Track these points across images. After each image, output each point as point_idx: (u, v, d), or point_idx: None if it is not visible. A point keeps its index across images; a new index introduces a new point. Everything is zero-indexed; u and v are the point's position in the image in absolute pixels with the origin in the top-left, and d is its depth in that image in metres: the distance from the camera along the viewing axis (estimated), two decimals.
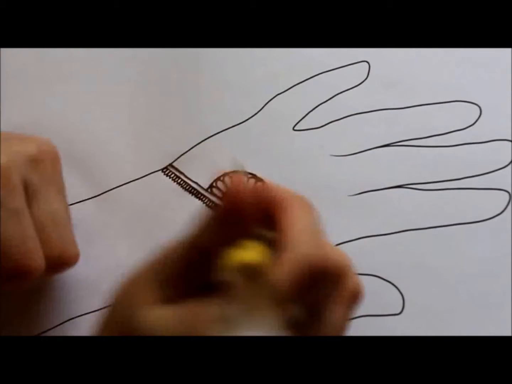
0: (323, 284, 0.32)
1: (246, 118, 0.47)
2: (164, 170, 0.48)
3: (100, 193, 0.47)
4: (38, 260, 0.39)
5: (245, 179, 0.30)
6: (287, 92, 0.47)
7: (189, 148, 0.48)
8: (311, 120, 0.47)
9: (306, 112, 0.47)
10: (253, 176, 0.45)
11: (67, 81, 0.49)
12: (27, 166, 0.41)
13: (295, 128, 0.47)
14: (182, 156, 0.47)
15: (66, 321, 0.45)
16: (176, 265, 0.33)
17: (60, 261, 0.41)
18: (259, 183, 0.33)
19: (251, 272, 0.30)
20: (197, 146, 0.47)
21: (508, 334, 0.42)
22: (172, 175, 0.48)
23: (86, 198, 0.47)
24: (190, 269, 0.33)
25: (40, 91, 0.49)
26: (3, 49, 0.48)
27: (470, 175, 0.45)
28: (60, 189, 0.43)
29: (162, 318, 0.33)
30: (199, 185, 0.47)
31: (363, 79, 0.47)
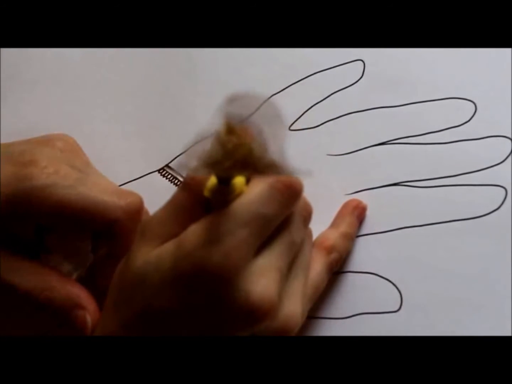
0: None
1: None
2: (161, 170, 0.48)
3: None
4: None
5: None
6: (282, 92, 0.47)
7: (186, 149, 0.47)
8: (307, 120, 0.47)
9: (302, 112, 0.47)
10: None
11: (64, 83, 0.49)
12: (65, 157, 0.43)
13: (291, 128, 0.47)
14: (179, 157, 0.48)
15: None
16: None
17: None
18: None
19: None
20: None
21: (508, 334, 0.42)
22: (169, 176, 0.48)
23: None
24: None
25: (38, 92, 0.49)
26: (3, 49, 0.48)
27: (466, 171, 0.45)
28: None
29: (150, 261, 0.35)
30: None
31: (358, 78, 0.47)
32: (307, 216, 0.38)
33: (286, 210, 0.36)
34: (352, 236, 0.44)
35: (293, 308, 0.36)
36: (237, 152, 0.31)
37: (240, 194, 0.35)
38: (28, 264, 0.41)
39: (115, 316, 0.36)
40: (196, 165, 0.31)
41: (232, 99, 0.32)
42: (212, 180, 0.35)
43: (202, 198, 0.35)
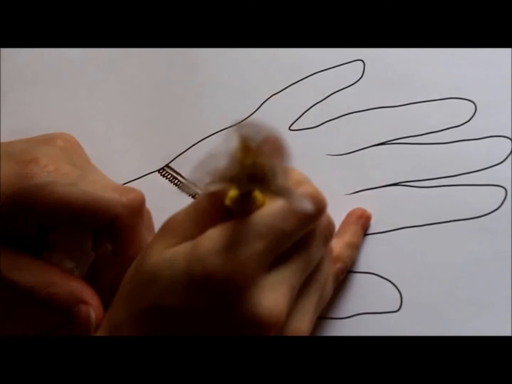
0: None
1: (242, 118, 0.47)
2: (161, 170, 0.48)
3: None
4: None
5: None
6: (282, 92, 0.47)
7: (186, 148, 0.48)
8: (307, 120, 0.47)
9: (302, 112, 0.47)
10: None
11: (65, 82, 0.49)
12: (66, 155, 0.43)
13: (291, 128, 0.47)
14: (179, 157, 0.48)
15: None
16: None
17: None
18: None
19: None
20: (194, 146, 0.47)
21: (508, 334, 0.42)
22: (169, 176, 0.48)
23: None
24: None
25: (38, 92, 0.49)
26: (3, 49, 0.48)
27: (466, 171, 0.45)
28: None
29: (165, 259, 0.35)
30: (196, 186, 0.47)
31: (358, 78, 0.47)
32: (328, 235, 0.38)
33: (306, 227, 0.35)
34: (357, 246, 0.44)
35: (300, 325, 0.36)
36: (255, 168, 0.31)
37: (261, 205, 0.35)
38: (30, 262, 0.41)
39: (124, 308, 0.37)
40: (213, 180, 0.32)
41: (243, 125, 0.32)
42: (234, 190, 0.35)
43: (223, 205, 0.35)
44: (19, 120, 0.48)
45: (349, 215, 0.45)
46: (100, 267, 0.43)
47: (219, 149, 0.32)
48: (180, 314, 0.35)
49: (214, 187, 0.33)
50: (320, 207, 0.35)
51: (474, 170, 0.45)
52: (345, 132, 0.46)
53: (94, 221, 0.41)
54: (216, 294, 0.34)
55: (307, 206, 0.32)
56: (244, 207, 0.35)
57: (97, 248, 0.44)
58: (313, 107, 0.47)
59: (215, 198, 0.36)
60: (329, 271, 0.40)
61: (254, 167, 0.32)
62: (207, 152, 0.32)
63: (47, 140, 0.44)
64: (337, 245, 0.43)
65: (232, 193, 0.35)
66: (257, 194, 0.35)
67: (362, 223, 0.45)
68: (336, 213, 0.45)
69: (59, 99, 0.48)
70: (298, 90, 0.47)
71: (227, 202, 0.35)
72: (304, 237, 0.36)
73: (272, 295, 0.34)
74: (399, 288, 0.44)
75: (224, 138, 0.32)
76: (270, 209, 0.34)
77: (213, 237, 0.34)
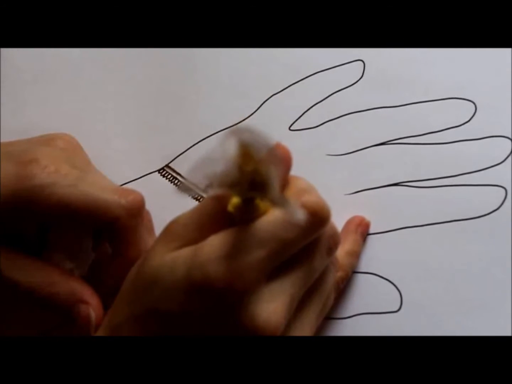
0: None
1: (242, 118, 0.47)
2: (161, 171, 0.48)
3: None
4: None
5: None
6: (282, 92, 0.47)
7: (186, 149, 0.48)
8: (307, 120, 0.47)
9: (302, 112, 0.47)
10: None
11: (65, 82, 0.49)
12: (66, 156, 0.43)
13: (291, 128, 0.47)
14: (179, 157, 0.48)
15: None
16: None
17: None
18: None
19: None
20: (194, 146, 0.47)
21: (508, 334, 0.42)
22: (169, 176, 0.48)
23: None
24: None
25: (38, 92, 0.49)
26: (3, 49, 0.48)
27: (466, 171, 0.45)
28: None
29: (166, 262, 0.35)
30: (196, 186, 0.47)
31: (358, 78, 0.47)
32: (333, 246, 0.37)
33: (308, 237, 0.35)
34: (357, 254, 0.44)
35: (301, 335, 0.36)
36: (254, 175, 0.31)
37: (264, 213, 0.35)
38: (31, 261, 0.41)
39: (125, 308, 0.37)
40: (212, 183, 0.31)
41: (242, 130, 0.32)
42: (237, 197, 0.35)
43: (227, 211, 0.35)
44: (19, 120, 0.48)
45: (348, 223, 0.45)
46: (100, 267, 0.43)
47: (217, 151, 0.32)
48: (178, 319, 0.35)
49: (213, 191, 0.32)
50: (323, 218, 0.35)
51: (474, 170, 0.45)
52: (345, 132, 0.46)
53: (94, 222, 0.41)
54: (215, 301, 0.34)
55: (302, 217, 0.32)
56: (247, 214, 0.34)
57: (97, 248, 0.44)
58: (313, 107, 0.47)
59: (219, 204, 0.36)
60: (333, 282, 0.40)
61: (254, 175, 0.31)
62: (204, 155, 0.32)
63: (47, 140, 0.44)
64: (338, 253, 0.43)
65: (235, 199, 0.35)
66: (260, 202, 0.35)
67: (361, 231, 0.44)
68: (336, 213, 0.45)
69: (59, 99, 0.49)
70: (298, 90, 0.47)
71: (230, 208, 0.35)
72: (307, 247, 0.36)
73: (271, 304, 0.34)
74: (399, 288, 0.44)
75: (221, 141, 0.31)
76: (272, 217, 0.34)
77: (215, 243, 0.34)
